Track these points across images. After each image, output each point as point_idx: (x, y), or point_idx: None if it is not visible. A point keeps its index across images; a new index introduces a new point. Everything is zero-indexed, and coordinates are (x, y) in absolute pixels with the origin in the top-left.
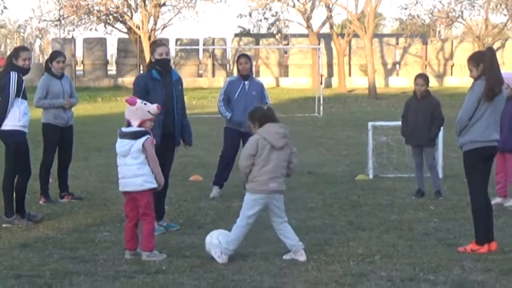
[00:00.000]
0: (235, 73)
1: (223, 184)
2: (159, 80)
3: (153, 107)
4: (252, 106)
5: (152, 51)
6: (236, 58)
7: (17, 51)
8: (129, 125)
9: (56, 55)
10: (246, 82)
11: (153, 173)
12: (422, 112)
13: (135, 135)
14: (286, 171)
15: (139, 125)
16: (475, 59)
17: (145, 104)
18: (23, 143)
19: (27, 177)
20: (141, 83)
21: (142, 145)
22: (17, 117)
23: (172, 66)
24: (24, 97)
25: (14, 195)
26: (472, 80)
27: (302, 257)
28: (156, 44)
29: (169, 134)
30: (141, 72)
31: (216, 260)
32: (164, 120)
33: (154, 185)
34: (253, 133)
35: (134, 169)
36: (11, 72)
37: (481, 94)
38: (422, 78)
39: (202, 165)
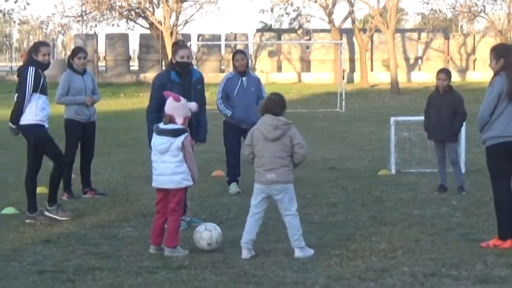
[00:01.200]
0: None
1: (238, 180)
2: (178, 83)
3: (194, 105)
4: (251, 102)
5: (174, 53)
6: (232, 55)
7: (36, 47)
8: (170, 120)
9: (77, 51)
10: (244, 78)
11: (190, 170)
12: (445, 107)
13: (175, 133)
14: (289, 162)
15: (183, 123)
16: (498, 52)
17: (186, 101)
18: (43, 133)
19: (62, 164)
20: (160, 82)
21: (182, 143)
22: (33, 112)
23: (194, 64)
24: (43, 92)
25: (27, 192)
26: (491, 72)
27: (297, 253)
28: (178, 45)
29: None
30: (163, 68)
31: (238, 256)
32: None
33: (191, 183)
34: None
35: (173, 167)
36: (29, 68)
37: (501, 90)
38: (445, 73)
39: (224, 161)
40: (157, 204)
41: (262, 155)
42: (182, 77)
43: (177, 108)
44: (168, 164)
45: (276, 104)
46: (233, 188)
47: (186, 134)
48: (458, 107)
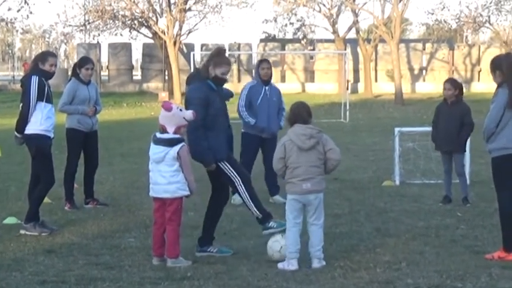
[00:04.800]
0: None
1: None
2: (217, 92)
3: (189, 113)
4: (273, 112)
5: (215, 64)
6: (258, 63)
7: (44, 56)
8: (164, 130)
9: (85, 62)
10: (267, 88)
11: (187, 180)
12: (453, 118)
13: (170, 143)
14: (323, 170)
15: (175, 132)
16: (494, 65)
17: (180, 110)
18: (45, 147)
19: (49, 184)
20: (202, 94)
21: (177, 153)
22: (38, 121)
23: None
24: (48, 101)
25: (30, 201)
26: (495, 85)
27: (315, 263)
28: (223, 58)
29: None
30: (166, 78)
31: (241, 267)
32: (225, 133)
33: (187, 192)
34: None
35: (168, 176)
36: (32, 77)
37: (506, 101)
38: (449, 82)
39: None
40: (155, 214)
41: (297, 165)
42: (218, 87)
43: (168, 118)
44: (163, 174)
45: (305, 110)
46: (238, 198)
47: (182, 144)
48: (466, 118)
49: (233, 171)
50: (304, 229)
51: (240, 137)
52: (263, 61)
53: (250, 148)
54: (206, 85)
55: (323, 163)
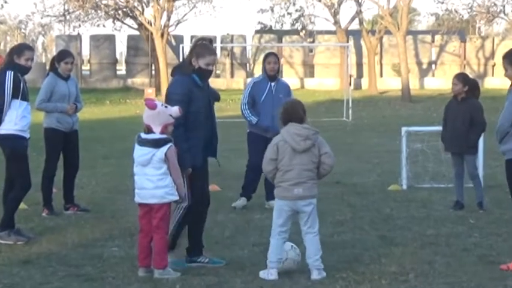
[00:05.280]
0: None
1: (252, 196)
2: (202, 88)
3: (175, 110)
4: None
5: (198, 55)
6: (264, 56)
7: (20, 49)
8: (149, 131)
9: (64, 55)
10: (273, 83)
11: (175, 184)
12: (461, 116)
13: (157, 143)
14: (315, 174)
15: (162, 131)
16: (506, 59)
17: (166, 107)
18: (20, 148)
19: (24, 189)
20: (185, 90)
21: (165, 154)
22: (13, 121)
23: None
24: (24, 98)
25: (4, 207)
26: (508, 81)
27: (315, 275)
28: (206, 48)
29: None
30: (153, 73)
31: (235, 279)
32: (206, 135)
33: (176, 197)
34: None
35: (155, 180)
36: (7, 72)
37: None
38: (456, 77)
39: (219, 174)
40: (141, 221)
41: (290, 168)
42: (203, 82)
43: (153, 116)
44: (150, 177)
45: (301, 108)
46: (239, 202)
47: (170, 144)
48: (477, 116)
49: (186, 189)
50: (300, 239)
51: (246, 136)
52: (269, 55)
53: (257, 149)
54: (190, 79)
55: (316, 167)
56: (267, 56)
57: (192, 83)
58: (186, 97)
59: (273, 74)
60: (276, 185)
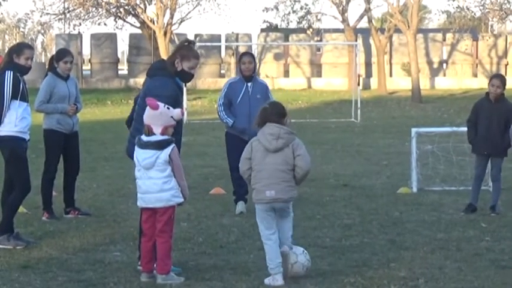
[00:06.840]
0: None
1: (246, 198)
2: (182, 91)
3: (177, 112)
4: (256, 111)
5: (183, 57)
6: (239, 56)
7: (20, 48)
8: (149, 131)
9: (63, 54)
10: (249, 84)
11: (180, 185)
12: (496, 118)
13: (160, 145)
14: (291, 177)
15: (162, 133)
16: None
17: (168, 108)
18: (20, 150)
19: (24, 191)
20: (172, 92)
21: (169, 156)
22: (13, 122)
23: None
24: (23, 99)
25: (3, 211)
26: None
27: (272, 281)
28: (191, 51)
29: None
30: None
31: (240, 284)
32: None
33: (181, 199)
34: None
35: (160, 183)
36: (7, 72)
37: None
38: (499, 79)
39: (224, 177)
40: (144, 225)
41: (261, 168)
42: (184, 85)
43: (155, 117)
44: (155, 181)
45: (272, 113)
46: (239, 207)
47: (173, 145)
48: (511, 118)
49: None
50: (307, 243)
51: (224, 137)
52: (244, 54)
53: (235, 150)
54: (174, 82)
55: (291, 169)
56: (242, 55)
57: (176, 85)
58: (172, 100)
59: (248, 74)
60: (252, 187)
